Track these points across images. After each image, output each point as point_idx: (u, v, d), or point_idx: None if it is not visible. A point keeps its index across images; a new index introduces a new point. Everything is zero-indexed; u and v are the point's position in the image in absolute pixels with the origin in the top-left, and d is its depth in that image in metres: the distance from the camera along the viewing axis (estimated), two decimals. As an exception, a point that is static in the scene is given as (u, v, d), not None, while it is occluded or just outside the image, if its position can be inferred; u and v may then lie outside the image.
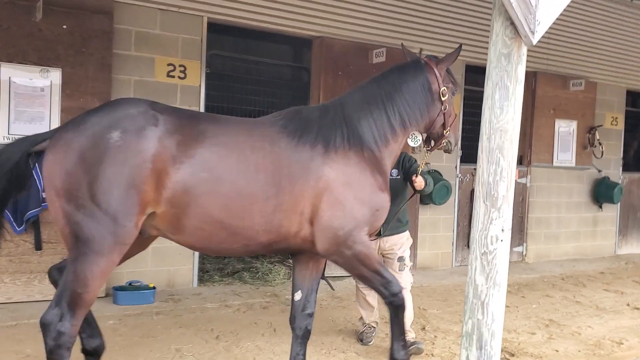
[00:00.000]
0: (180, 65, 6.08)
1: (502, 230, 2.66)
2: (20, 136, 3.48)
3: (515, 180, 6.72)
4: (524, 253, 8.70)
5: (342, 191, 3.22)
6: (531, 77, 8.62)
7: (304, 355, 3.64)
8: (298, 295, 3.54)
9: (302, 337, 3.61)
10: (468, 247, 8.14)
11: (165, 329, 4.76)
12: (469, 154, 8.41)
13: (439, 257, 7.90)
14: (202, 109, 6.17)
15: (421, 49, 7.40)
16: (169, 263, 6.04)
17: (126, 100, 3.19)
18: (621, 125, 9.72)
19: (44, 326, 2.88)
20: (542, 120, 8.69)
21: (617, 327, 5.45)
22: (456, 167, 7.97)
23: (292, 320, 3.61)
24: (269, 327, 4.94)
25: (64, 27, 5.33)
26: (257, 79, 8.77)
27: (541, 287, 7.04)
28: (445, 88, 3.66)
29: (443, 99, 3.63)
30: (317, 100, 6.72)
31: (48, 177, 2.88)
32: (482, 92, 2.81)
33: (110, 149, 2.82)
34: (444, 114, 3.67)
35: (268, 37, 8.15)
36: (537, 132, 8.66)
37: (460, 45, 4.14)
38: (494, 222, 2.65)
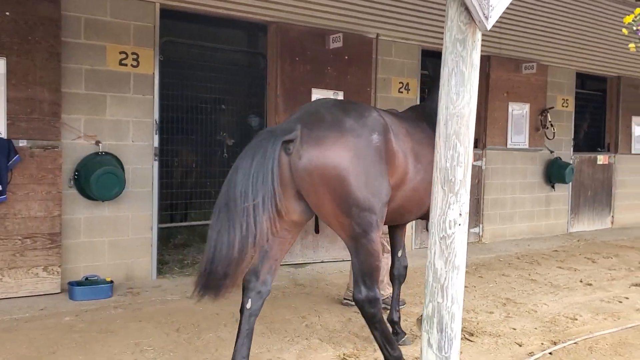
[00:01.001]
0: (132, 53, 5.92)
1: (460, 214, 2.70)
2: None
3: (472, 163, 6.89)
4: (481, 234, 8.89)
5: None
6: (485, 62, 8.74)
7: (400, 291, 4.58)
8: (400, 253, 4.51)
9: (400, 283, 4.55)
10: (427, 230, 8.26)
11: (124, 324, 4.68)
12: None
13: (399, 240, 7.98)
14: (156, 98, 6.05)
15: (378, 34, 7.46)
16: (127, 256, 5.93)
17: (361, 104, 3.83)
18: (571, 107, 9.99)
19: (361, 303, 3.46)
20: (496, 104, 8.85)
21: (571, 304, 5.63)
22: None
23: (394, 271, 4.50)
24: (231, 318, 4.90)
25: (7, 14, 5.12)
26: (212, 65, 8.63)
27: (498, 266, 7.21)
28: None
29: None
30: (275, 87, 6.66)
31: (322, 168, 3.26)
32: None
33: (374, 148, 3.42)
34: None
35: (223, 23, 8.02)
36: (491, 116, 8.81)
37: None
38: (452, 207, 2.68)
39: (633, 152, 10.91)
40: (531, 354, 4.28)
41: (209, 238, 3.24)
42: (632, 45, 3.87)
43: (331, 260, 6.99)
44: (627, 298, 5.87)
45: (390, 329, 4.10)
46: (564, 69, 9.75)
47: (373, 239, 3.43)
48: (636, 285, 6.42)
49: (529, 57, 9.06)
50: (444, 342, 2.69)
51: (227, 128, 8.17)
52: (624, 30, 3.96)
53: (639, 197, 11.22)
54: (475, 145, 8.85)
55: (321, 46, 6.86)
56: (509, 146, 9.05)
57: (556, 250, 8.40)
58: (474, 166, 8.72)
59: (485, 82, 8.78)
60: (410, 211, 4.06)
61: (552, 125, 9.29)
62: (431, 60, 5.52)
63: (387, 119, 3.74)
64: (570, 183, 9.84)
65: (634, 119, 10.90)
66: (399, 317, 4.50)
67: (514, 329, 4.85)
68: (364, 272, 3.45)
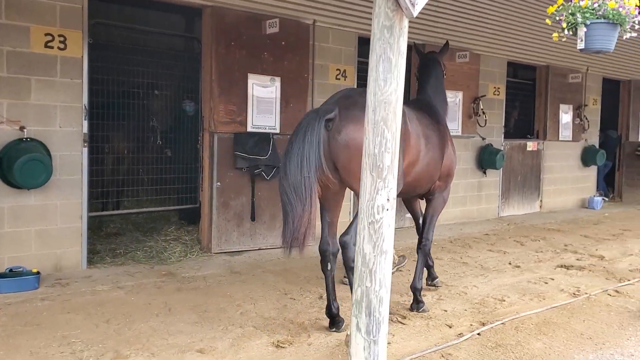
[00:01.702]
0: (59, 35, 5.67)
1: (388, 200, 2.73)
2: None
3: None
4: (417, 219, 9.06)
5: (452, 153, 5.19)
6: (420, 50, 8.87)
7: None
8: (421, 220, 5.38)
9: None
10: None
11: (52, 316, 4.52)
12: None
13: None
14: (85, 82, 5.82)
15: (314, 20, 7.43)
16: (55, 246, 5.72)
17: None
18: (503, 95, 10.30)
19: (345, 244, 4.14)
20: (431, 91, 9.00)
21: (500, 285, 5.84)
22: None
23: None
24: (164, 307, 4.83)
25: None
26: (146, 50, 8.39)
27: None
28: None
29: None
30: (210, 72, 6.55)
31: (359, 141, 3.69)
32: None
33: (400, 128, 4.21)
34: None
35: (156, 5, 7.81)
36: (426, 103, 8.97)
37: (447, 41, 5.95)
38: (380, 192, 2.72)
39: (560, 138, 11.38)
40: (460, 334, 4.41)
41: (283, 204, 3.99)
42: (555, 35, 4.02)
43: (269, 247, 6.98)
44: (552, 279, 6.14)
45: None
46: (496, 58, 10.04)
47: None
48: (561, 266, 6.72)
49: (462, 46, 9.27)
50: (372, 325, 2.73)
51: (161, 114, 7.97)
52: (548, 21, 4.10)
53: (565, 182, 11.74)
54: (411, 132, 9.03)
55: (257, 31, 6.78)
56: (443, 133, 9.24)
57: (487, 234, 8.68)
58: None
59: (421, 70, 8.91)
60: (422, 185, 4.90)
61: (484, 112, 9.56)
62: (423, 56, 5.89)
63: (404, 105, 4.22)
64: (501, 169, 10.17)
65: (562, 107, 11.36)
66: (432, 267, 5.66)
67: (445, 311, 4.99)
68: None
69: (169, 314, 4.70)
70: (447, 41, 5.91)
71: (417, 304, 4.93)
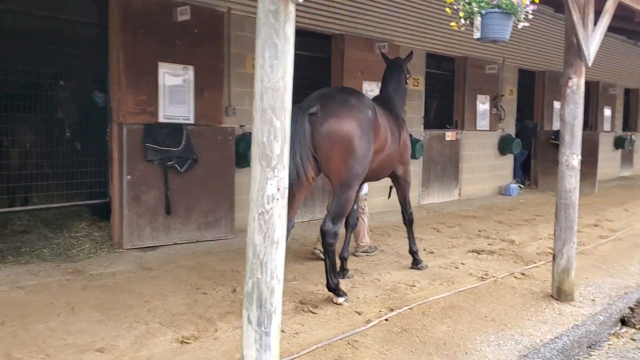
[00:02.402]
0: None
1: (278, 189, 2.69)
2: None
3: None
4: (339, 209, 9.12)
5: (408, 143, 5.99)
6: (339, 40, 8.91)
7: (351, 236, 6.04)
8: (355, 206, 5.87)
9: (352, 229, 6.02)
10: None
11: (-61, 321, 4.23)
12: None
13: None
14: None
15: (229, 8, 7.29)
16: (-52, 246, 5.36)
17: (355, 90, 5.27)
18: (422, 86, 10.49)
19: (324, 233, 4.78)
20: (351, 83, 9.03)
21: (412, 271, 5.95)
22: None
23: (349, 219, 5.82)
24: (67, 306, 4.62)
25: None
26: (54, 38, 7.99)
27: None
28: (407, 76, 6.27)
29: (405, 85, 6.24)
30: (117, 61, 6.30)
31: (339, 132, 4.67)
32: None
33: (369, 120, 4.89)
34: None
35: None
36: (346, 93, 9.02)
37: (412, 51, 6.67)
38: (270, 182, 2.67)
39: (478, 128, 11.73)
40: (369, 321, 4.45)
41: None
42: (453, 24, 4.09)
43: (184, 242, 6.82)
44: (463, 264, 6.32)
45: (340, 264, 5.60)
46: (415, 49, 10.15)
47: (353, 188, 4.86)
48: (473, 251, 6.92)
49: (381, 37, 9.36)
50: (264, 317, 2.69)
51: (68, 105, 7.61)
52: (447, 10, 4.17)
53: (483, 171, 12.13)
54: (332, 123, 9.06)
55: (168, 19, 6.58)
56: (363, 123, 9.32)
57: (407, 222, 8.82)
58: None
59: (340, 61, 8.96)
60: (383, 172, 5.61)
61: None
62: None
63: (373, 101, 5.30)
64: (421, 158, 10.38)
65: (479, 97, 11.71)
66: (348, 255, 5.84)
67: (358, 298, 5.03)
68: (337, 212, 4.80)
69: (71, 313, 4.50)
70: (411, 51, 6.66)
71: (416, 264, 6.04)
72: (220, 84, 7.19)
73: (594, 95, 16.48)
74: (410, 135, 9.96)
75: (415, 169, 10.46)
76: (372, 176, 5.39)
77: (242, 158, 7.33)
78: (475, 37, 3.95)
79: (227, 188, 7.16)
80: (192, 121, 6.83)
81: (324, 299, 4.98)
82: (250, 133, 7.70)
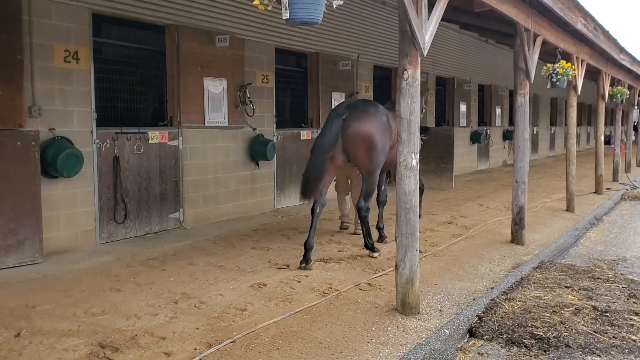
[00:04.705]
0: None
1: None
2: None
3: (167, 143, 7.78)
4: (182, 219, 8.24)
5: None
6: (174, 32, 8.02)
7: (383, 210, 7.62)
8: (383, 187, 7.50)
9: (383, 205, 7.55)
10: (115, 220, 7.30)
11: None
12: (109, 117, 7.50)
13: (79, 236, 6.87)
14: None
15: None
16: None
17: (373, 102, 6.85)
18: (272, 83, 9.84)
19: (360, 208, 6.39)
20: (189, 79, 8.21)
21: (248, 290, 5.25)
22: (92, 132, 6.98)
23: (379, 198, 7.44)
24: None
25: None
26: None
27: (189, 254, 6.61)
28: None
29: None
30: None
31: (366, 133, 6.17)
32: None
33: (384, 124, 6.38)
34: None
35: None
36: (185, 91, 8.15)
37: None
38: None
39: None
40: (177, 365, 3.67)
41: (306, 168, 6.13)
42: (256, 1, 3.43)
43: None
44: (306, 276, 5.72)
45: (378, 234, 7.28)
46: (262, 44, 9.54)
47: (377, 174, 6.37)
48: (320, 260, 6.36)
49: (221, 29, 8.60)
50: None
51: None
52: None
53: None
54: (171, 124, 8.16)
55: None
56: (207, 124, 8.52)
57: (256, 230, 8.15)
58: (169, 146, 7.99)
59: (176, 54, 8.07)
60: (391, 164, 6.68)
61: (251, 101, 9.03)
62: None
63: (387, 109, 6.65)
64: (274, 159, 9.77)
65: (334, 94, 11.31)
66: (383, 226, 7.38)
67: (174, 333, 4.22)
68: (367, 192, 6.28)
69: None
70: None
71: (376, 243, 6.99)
72: (19, 79, 6.03)
73: (449, 91, 16.90)
74: (261, 135, 9.44)
75: (269, 170, 9.86)
76: (388, 165, 6.79)
77: (52, 167, 6.23)
78: (283, 17, 3.32)
79: (31, 204, 6.02)
80: (-21, 125, 5.63)
81: (131, 336, 4.12)
82: (62, 137, 6.65)
